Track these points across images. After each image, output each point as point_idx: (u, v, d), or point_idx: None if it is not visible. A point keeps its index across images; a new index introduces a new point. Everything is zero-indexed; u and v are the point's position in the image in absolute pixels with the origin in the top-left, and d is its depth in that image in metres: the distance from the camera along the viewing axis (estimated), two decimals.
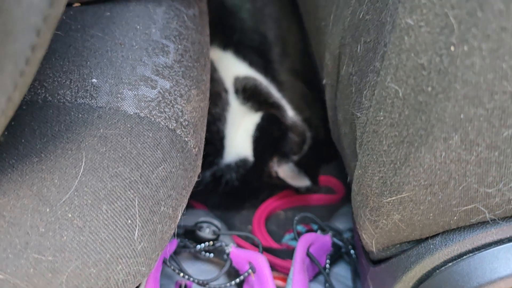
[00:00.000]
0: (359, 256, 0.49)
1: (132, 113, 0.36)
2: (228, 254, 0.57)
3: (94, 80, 0.36)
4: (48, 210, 0.31)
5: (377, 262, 0.42)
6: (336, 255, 0.61)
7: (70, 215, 0.31)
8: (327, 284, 0.57)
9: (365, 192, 0.36)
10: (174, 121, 0.38)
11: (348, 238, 0.63)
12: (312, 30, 0.54)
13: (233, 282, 0.54)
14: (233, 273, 0.58)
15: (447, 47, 0.24)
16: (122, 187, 0.33)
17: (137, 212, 0.33)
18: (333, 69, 0.45)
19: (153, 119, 0.37)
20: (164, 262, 0.55)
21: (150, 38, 0.40)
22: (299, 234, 0.62)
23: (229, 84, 0.74)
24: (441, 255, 0.35)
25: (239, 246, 0.61)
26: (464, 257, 0.34)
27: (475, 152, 0.26)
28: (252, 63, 0.76)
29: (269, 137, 0.75)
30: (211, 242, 0.58)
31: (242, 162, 0.74)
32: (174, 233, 0.40)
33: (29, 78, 0.21)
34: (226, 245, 0.58)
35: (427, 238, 0.36)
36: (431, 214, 0.32)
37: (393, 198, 0.32)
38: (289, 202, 0.82)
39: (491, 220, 0.32)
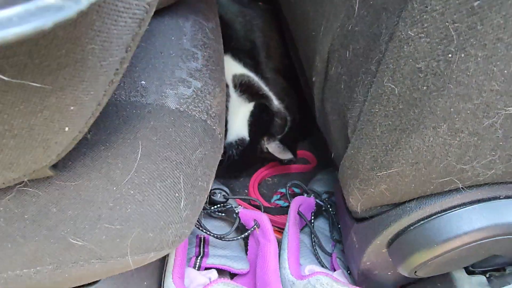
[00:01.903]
0: (341, 214, 0.49)
1: (174, 108, 0.35)
2: (237, 214, 0.56)
3: (143, 82, 0.34)
4: (114, 188, 0.30)
5: (360, 220, 0.42)
6: (317, 212, 0.62)
7: (132, 192, 0.30)
8: (312, 235, 0.57)
9: (356, 167, 0.35)
10: (205, 114, 0.37)
11: (325, 199, 0.63)
12: (301, 38, 0.52)
13: (242, 235, 0.54)
14: (240, 228, 0.58)
15: (445, 54, 0.23)
16: (170, 168, 0.32)
17: (182, 187, 0.32)
18: (322, 70, 0.44)
19: (190, 112, 0.35)
20: None
21: (182, 47, 0.38)
22: (291, 196, 0.62)
23: (229, 80, 0.73)
24: (416, 215, 0.35)
25: (240, 206, 0.61)
26: (434, 216, 0.35)
27: (458, 138, 0.26)
28: (245, 64, 0.75)
29: (260, 121, 0.75)
30: (223, 205, 0.58)
31: (240, 141, 0.75)
32: None
33: (115, 85, 0.20)
34: (235, 207, 0.57)
35: (404, 202, 0.36)
36: (413, 185, 0.32)
37: (382, 172, 0.32)
38: (275, 170, 0.84)
39: (459, 188, 0.32)
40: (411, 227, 0.36)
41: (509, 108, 0.24)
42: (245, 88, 0.74)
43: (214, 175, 0.39)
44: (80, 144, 0.29)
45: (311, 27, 0.47)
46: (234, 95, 0.74)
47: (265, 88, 0.77)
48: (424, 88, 0.25)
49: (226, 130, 0.74)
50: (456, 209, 0.34)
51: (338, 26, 0.39)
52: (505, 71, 0.22)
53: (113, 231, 0.29)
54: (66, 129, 0.19)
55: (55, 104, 0.18)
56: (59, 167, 0.27)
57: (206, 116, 0.37)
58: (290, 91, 0.81)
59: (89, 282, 0.34)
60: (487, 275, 0.54)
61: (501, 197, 0.34)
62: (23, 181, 0.25)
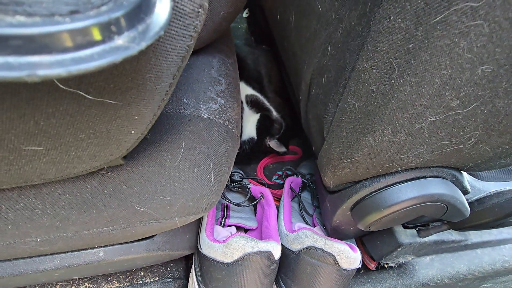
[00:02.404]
0: (319, 188, 0.48)
1: (206, 117, 0.34)
2: (249, 189, 0.56)
3: (184, 100, 0.34)
4: (166, 172, 0.29)
5: (332, 192, 0.41)
6: (303, 187, 0.61)
7: (178, 174, 0.29)
8: (299, 202, 0.57)
9: (329, 157, 0.35)
10: (227, 121, 0.36)
11: (308, 178, 0.62)
12: (292, 70, 0.52)
13: (253, 203, 0.53)
14: (251, 198, 0.57)
15: (390, 80, 0.22)
16: (203, 158, 0.31)
17: (212, 171, 0.32)
18: (306, 91, 0.43)
19: (217, 120, 0.35)
20: None
21: (211, 76, 0.37)
22: (285, 176, 0.61)
23: (243, 98, 0.73)
24: (370, 189, 0.34)
25: (251, 183, 0.60)
26: (382, 190, 0.34)
27: (398, 137, 0.25)
28: (254, 87, 0.75)
29: (264, 126, 0.75)
30: (239, 182, 0.57)
31: (251, 139, 0.74)
32: None
33: (166, 101, 0.19)
34: (248, 184, 0.56)
35: (361, 180, 0.35)
36: (367, 169, 0.31)
37: (347, 160, 0.31)
38: (275, 159, 0.83)
39: (399, 171, 0.31)
40: (366, 197, 0.35)
41: (432, 117, 0.23)
42: (254, 104, 0.74)
43: (233, 163, 0.38)
44: (142, 142, 0.29)
45: (298, 62, 0.46)
46: (246, 108, 0.74)
47: (267, 104, 0.76)
48: (375, 103, 0.24)
49: (241, 132, 0.73)
50: (396, 185, 0.33)
51: (316, 62, 0.39)
52: (430, 92, 0.21)
53: (165, 201, 0.29)
54: (132, 132, 0.19)
55: (124, 115, 0.17)
56: (128, 158, 0.27)
57: (227, 123, 0.36)
58: (284, 106, 0.80)
59: (149, 236, 0.34)
60: (417, 229, 0.53)
61: (426, 176, 0.33)
62: (103, 168, 0.25)
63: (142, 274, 0.47)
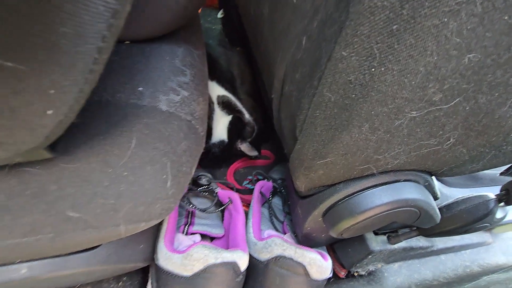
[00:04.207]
0: (290, 194, 0.45)
1: (164, 110, 0.29)
2: (216, 193, 0.51)
3: (140, 88, 0.29)
4: (110, 170, 0.24)
5: (304, 197, 0.38)
6: (274, 192, 0.58)
7: (125, 173, 0.24)
8: (269, 208, 0.53)
9: (302, 158, 0.31)
10: (190, 115, 0.32)
11: (280, 183, 0.59)
12: (264, 68, 0.49)
13: (219, 209, 0.49)
14: (219, 204, 0.53)
15: (370, 68, 0.20)
16: (159, 155, 0.27)
17: (169, 171, 0.27)
18: (278, 89, 0.40)
19: (177, 114, 0.30)
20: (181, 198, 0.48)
21: (174, 65, 0.33)
22: (256, 181, 0.58)
23: (214, 99, 0.69)
24: (343, 193, 0.32)
25: (219, 188, 0.56)
26: (355, 194, 0.31)
27: (376, 134, 0.23)
28: (226, 88, 0.72)
29: (236, 129, 0.72)
30: (206, 186, 0.52)
31: (221, 142, 0.71)
32: None
33: (96, 75, 0.15)
34: (215, 188, 0.52)
35: (334, 184, 0.32)
36: (342, 171, 0.28)
37: (321, 161, 0.28)
38: (246, 163, 0.79)
39: (374, 174, 0.29)
40: (339, 202, 0.33)
41: (413, 112, 0.20)
42: (226, 105, 0.71)
43: (196, 163, 0.34)
44: (79, 133, 0.24)
45: (271, 58, 0.43)
46: (217, 109, 0.70)
47: (239, 106, 0.73)
48: (353, 96, 0.22)
49: (210, 134, 0.69)
50: (370, 189, 0.31)
51: (290, 56, 0.36)
52: (413, 82, 0.19)
53: (108, 206, 0.23)
54: (49, 112, 0.14)
55: (33, 86, 0.12)
56: (60, 151, 0.22)
57: (191, 117, 0.31)
58: (256, 108, 0.78)
59: (90, 247, 0.28)
60: (387, 236, 0.52)
61: (400, 180, 0.31)
62: (27, 163, 0.20)
63: None
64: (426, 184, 0.33)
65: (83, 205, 0.22)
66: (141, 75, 0.30)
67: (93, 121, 0.25)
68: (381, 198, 0.30)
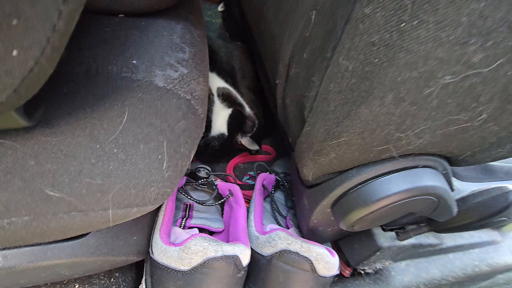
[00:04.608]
0: (295, 185, 0.42)
1: (161, 85, 0.26)
2: (216, 185, 0.48)
3: (134, 61, 0.26)
4: (98, 146, 0.21)
5: (311, 186, 0.35)
6: (276, 186, 0.55)
7: (115, 150, 0.22)
8: (272, 202, 0.50)
9: (311, 141, 0.29)
10: (190, 95, 0.29)
11: (282, 177, 0.56)
12: (268, 54, 0.46)
13: (219, 202, 0.46)
14: (218, 197, 0.50)
15: (398, 24, 0.17)
16: (155, 133, 0.24)
17: (165, 150, 0.24)
18: (283, 73, 0.38)
19: (176, 91, 0.27)
20: (178, 190, 0.45)
21: (172, 41, 0.30)
22: (257, 174, 0.55)
23: (214, 91, 0.67)
24: (356, 180, 0.29)
25: (219, 181, 0.53)
26: (370, 181, 0.28)
27: (400, 107, 0.20)
28: (226, 80, 0.70)
29: (236, 122, 0.69)
30: (205, 179, 0.50)
31: (221, 135, 0.68)
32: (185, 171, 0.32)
33: (74, 11, 0.12)
34: (215, 180, 0.49)
35: (346, 170, 0.29)
36: (357, 153, 0.25)
37: (333, 141, 0.25)
38: (246, 159, 0.77)
39: (392, 157, 0.26)
40: (351, 190, 0.30)
41: (446, 78, 0.18)
42: (226, 97, 0.68)
43: (196, 147, 0.31)
44: (64, 104, 0.21)
45: (276, 42, 0.40)
46: (217, 102, 0.68)
47: (240, 99, 0.71)
48: (376, 60, 0.19)
49: (210, 127, 0.67)
50: (386, 175, 0.28)
51: (297, 36, 0.33)
52: (451, 37, 0.16)
53: (94, 186, 0.20)
54: (14, 52, 0.11)
55: None
56: (41, 123, 0.19)
57: (190, 97, 0.29)
58: (257, 103, 0.76)
59: (77, 235, 0.25)
60: (395, 232, 0.49)
61: (419, 166, 0.28)
62: None
63: (76, 286, 0.37)
64: (445, 172, 0.31)
65: (65, 184, 0.19)
66: (136, 48, 0.27)
67: (79, 91, 0.22)
68: (399, 185, 0.27)
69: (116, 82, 0.24)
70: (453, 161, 0.30)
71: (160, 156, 0.24)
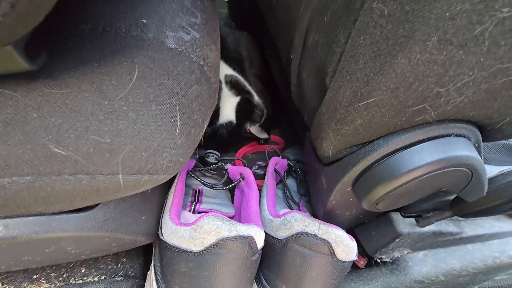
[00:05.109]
0: (311, 165, 0.40)
1: (173, 47, 0.24)
2: (226, 170, 0.46)
3: (144, 20, 0.24)
4: (106, 102, 0.19)
5: (331, 163, 0.33)
6: (288, 172, 0.53)
7: (125, 109, 0.20)
8: (285, 187, 0.48)
9: (333, 109, 0.27)
10: (202, 60, 0.27)
11: (294, 163, 0.54)
12: (281, 27, 0.43)
13: (230, 186, 0.44)
14: (228, 182, 0.48)
15: None
16: (167, 94, 0.22)
17: (178, 115, 0.22)
18: (299, 44, 0.35)
19: (188, 54, 0.25)
20: (187, 174, 0.43)
21: (184, 4, 0.28)
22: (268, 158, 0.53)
23: (222, 78, 0.65)
24: (382, 151, 0.27)
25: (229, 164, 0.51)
26: (398, 152, 0.26)
27: (445, 52, 0.18)
28: (234, 68, 0.68)
29: (245, 110, 0.67)
30: (215, 164, 0.48)
31: (229, 123, 0.67)
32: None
33: None
34: (225, 164, 0.47)
35: (373, 140, 0.27)
36: (387, 116, 0.23)
37: (361, 104, 0.23)
38: (254, 149, 0.76)
39: (429, 121, 0.24)
40: (377, 163, 0.28)
41: (504, 10, 0.15)
42: (234, 85, 0.66)
43: (209, 118, 0.29)
44: (70, 58, 0.19)
45: (291, 13, 0.38)
46: (225, 89, 0.66)
47: (248, 87, 0.69)
48: None
49: (218, 114, 0.65)
50: (417, 144, 0.26)
51: (316, 1, 0.31)
52: None
53: (102, 144, 0.18)
54: None
55: None
56: (45, 74, 0.17)
57: (203, 62, 0.27)
58: (265, 92, 0.74)
59: (84, 207, 0.23)
60: (416, 219, 0.46)
61: (452, 135, 0.26)
62: None
63: (82, 271, 0.35)
64: (477, 145, 0.28)
65: (71, 141, 0.17)
66: (145, 7, 0.25)
67: (85, 46, 0.20)
68: (431, 154, 0.25)
69: (125, 40, 0.22)
70: (488, 131, 0.28)
71: (172, 120, 0.22)
